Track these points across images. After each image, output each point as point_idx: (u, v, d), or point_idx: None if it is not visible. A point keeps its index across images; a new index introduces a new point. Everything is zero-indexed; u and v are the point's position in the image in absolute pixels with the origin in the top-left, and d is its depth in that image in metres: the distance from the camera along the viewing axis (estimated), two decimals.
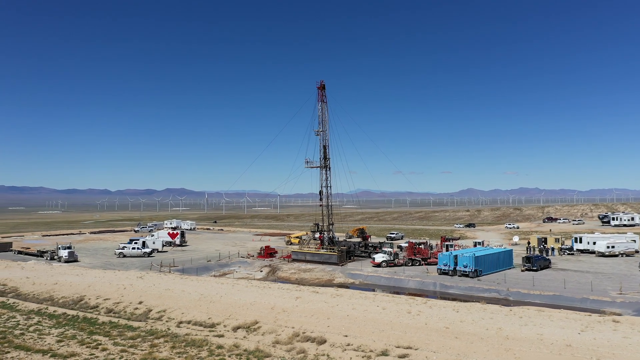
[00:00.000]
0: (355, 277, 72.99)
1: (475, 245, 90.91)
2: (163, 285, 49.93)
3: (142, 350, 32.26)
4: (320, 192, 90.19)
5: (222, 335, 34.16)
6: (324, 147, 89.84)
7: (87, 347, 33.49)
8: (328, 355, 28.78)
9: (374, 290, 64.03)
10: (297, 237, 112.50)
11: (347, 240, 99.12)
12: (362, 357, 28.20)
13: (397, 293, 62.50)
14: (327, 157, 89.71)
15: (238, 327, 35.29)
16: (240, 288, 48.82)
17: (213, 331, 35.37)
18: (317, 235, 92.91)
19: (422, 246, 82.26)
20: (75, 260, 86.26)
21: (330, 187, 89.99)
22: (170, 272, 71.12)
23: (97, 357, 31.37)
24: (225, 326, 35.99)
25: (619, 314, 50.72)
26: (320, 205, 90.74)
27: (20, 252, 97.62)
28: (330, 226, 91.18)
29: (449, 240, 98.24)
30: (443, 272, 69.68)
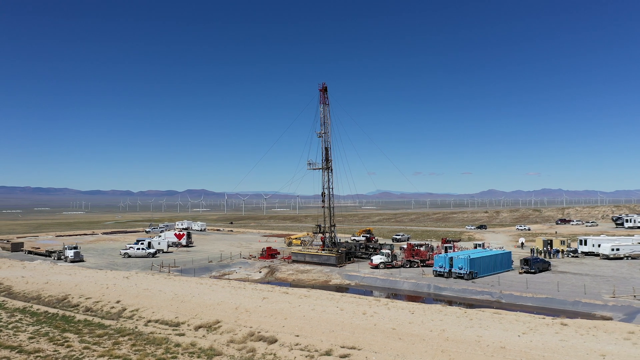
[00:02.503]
0: (352, 279, 73.06)
1: (475, 247, 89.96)
2: (143, 285, 51.02)
3: (103, 347, 33.16)
4: (323, 194, 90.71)
5: (183, 334, 34.87)
6: (326, 149, 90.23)
7: (54, 343, 34.61)
8: (275, 355, 29.15)
9: (371, 293, 64.19)
10: (297, 238, 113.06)
11: (349, 241, 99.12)
12: (306, 356, 28.49)
13: (394, 295, 62.67)
14: (329, 158, 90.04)
15: (200, 327, 35.97)
16: (215, 288, 49.58)
17: (176, 330, 36.14)
18: (318, 236, 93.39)
19: (422, 248, 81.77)
20: (81, 260, 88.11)
21: (332, 188, 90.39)
22: (169, 272, 72.32)
23: (59, 353, 32.39)
24: (188, 325, 36.74)
25: (610, 318, 49.71)
26: (322, 207, 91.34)
27: (30, 252, 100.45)
28: (332, 227, 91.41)
29: (449, 242, 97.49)
30: (439, 274, 69.23)
